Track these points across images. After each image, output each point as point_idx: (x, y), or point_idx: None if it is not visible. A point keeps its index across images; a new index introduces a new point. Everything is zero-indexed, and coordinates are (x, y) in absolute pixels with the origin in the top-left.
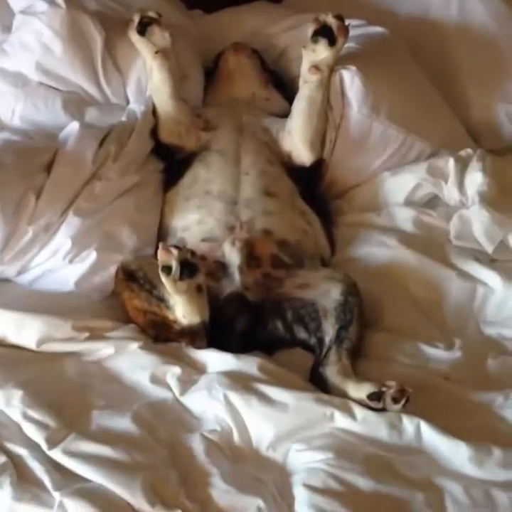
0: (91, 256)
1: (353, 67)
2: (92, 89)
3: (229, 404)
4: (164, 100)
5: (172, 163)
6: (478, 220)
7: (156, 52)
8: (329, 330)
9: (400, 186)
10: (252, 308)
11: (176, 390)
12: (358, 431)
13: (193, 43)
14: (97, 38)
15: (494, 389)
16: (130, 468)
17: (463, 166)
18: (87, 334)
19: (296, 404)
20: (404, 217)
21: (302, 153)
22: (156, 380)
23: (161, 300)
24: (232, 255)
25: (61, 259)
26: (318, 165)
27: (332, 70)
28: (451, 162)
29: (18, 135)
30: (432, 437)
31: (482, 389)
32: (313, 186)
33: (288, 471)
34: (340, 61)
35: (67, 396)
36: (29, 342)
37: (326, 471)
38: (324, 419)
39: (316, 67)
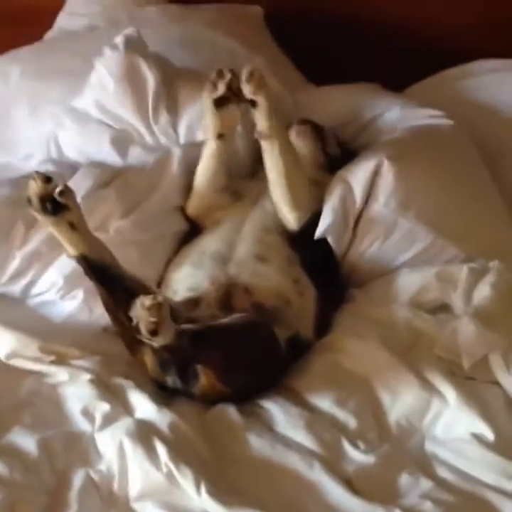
0: (79, 295)
1: (388, 160)
2: (141, 128)
3: (121, 449)
4: (203, 182)
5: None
6: (463, 333)
7: (219, 136)
8: None
9: (408, 285)
10: None
11: (96, 426)
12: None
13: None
14: (150, 79)
15: (385, 503)
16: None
17: (477, 277)
18: (52, 357)
19: (170, 470)
20: (399, 317)
21: (286, 217)
22: (85, 412)
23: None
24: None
25: (54, 294)
26: (326, 243)
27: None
28: (464, 271)
29: (66, 169)
30: None
31: (373, 499)
32: (330, 269)
33: None
34: (384, 151)
35: (5, 408)
36: (0, 353)
37: None
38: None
39: (260, 132)
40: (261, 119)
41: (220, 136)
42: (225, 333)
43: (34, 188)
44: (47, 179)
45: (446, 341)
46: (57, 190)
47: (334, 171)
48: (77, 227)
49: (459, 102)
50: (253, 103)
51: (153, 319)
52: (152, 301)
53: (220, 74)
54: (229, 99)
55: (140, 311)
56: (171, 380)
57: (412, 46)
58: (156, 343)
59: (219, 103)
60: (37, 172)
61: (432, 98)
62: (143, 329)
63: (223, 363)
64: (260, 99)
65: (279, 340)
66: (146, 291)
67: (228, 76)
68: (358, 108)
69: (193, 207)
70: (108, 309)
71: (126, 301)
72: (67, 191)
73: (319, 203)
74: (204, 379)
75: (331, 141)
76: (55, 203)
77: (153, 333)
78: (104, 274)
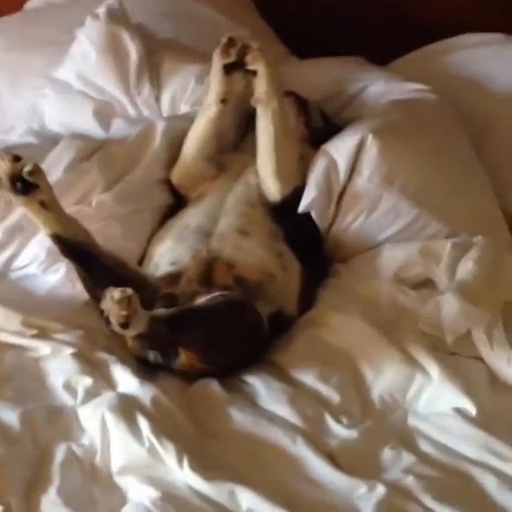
0: (61, 269)
1: (373, 134)
2: (123, 99)
3: (103, 423)
4: (192, 148)
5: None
6: (446, 308)
7: (222, 100)
8: None
9: (391, 261)
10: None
11: (79, 400)
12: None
13: None
14: (132, 51)
15: (368, 477)
16: None
17: (461, 252)
18: (34, 331)
19: (152, 444)
20: (382, 292)
21: (269, 187)
22: (67, 386)
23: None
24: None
25: (36, 267)
26: (310, 218)
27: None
28: (447, 246)
29: (47, 142)
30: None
31: (355, 474)
32: (313, 243)
33: (127, 500)
34: (368, 125)
35: None
36: None
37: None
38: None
39: (257, 98)
40: (259, 86)
41: (223, 101)
42: (202, 315)
43: (3, 167)
44: (15, 158)
45: (429, 316)
46: (27, 169)
47: (318, 145)
48: (48, 207)
49: (444, 76)
50: (253, 72)
51: (123, 312)
52: (121, 294)
53: (232, 41)
54: (236, 65)
55: (110, 304)
56: (152, 355)
57: (397, 20)
58: (129, 333)
59: (227, 69)
60: (5, 151)
61: (416, 72)
62: (113, 322)
63: (202, 345)
64: (260, 67)
65: (262, 317)
66: (124, 268)
67: (239, 43)
68: (342, 81)
69: (178, 175)
70: (86, 287)
71: (104, 278)
72: (36, 170)
73: (303, 176)
74: (184, 357)
75: (315, 115)
76: (25, 183)
77: (124, 325)
78: (79, 253)
